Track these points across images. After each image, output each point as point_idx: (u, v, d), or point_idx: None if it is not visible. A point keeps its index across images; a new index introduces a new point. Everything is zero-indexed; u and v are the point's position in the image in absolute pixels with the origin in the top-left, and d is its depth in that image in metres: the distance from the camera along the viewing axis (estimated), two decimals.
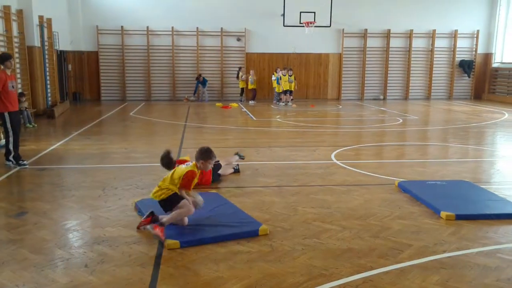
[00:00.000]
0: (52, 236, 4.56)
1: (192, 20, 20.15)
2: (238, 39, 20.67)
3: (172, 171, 4.92)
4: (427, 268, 3.86)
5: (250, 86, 19.63)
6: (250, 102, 19.35)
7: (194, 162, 4.93)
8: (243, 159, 7.58)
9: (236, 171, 7.13)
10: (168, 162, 5.17)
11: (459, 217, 5.02)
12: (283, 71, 18.43)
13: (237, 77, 20.06)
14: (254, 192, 6.13)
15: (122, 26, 19.92)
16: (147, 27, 20.03)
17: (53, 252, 4.17)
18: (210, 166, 4.95)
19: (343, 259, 4.03)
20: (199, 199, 4.80)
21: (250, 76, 19.57)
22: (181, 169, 4.84)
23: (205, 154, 4.86)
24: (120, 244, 4.35)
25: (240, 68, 20.22)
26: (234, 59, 20.82)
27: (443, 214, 5.07)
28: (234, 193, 6.07)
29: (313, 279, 3.65)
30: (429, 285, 3.56)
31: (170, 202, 4.70)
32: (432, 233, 4.65)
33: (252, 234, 4.56)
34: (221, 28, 20.37)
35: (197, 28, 20.24)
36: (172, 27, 20.12)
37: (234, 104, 18.14)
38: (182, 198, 4.71)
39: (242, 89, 20.05)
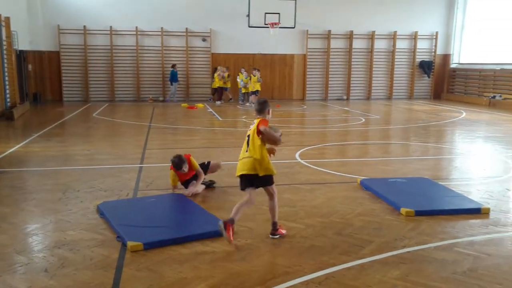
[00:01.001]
0: (12, 241, 4.44)
1: (156, 20, 19.95)
2: (204, 40, 20.60)
3: (246, 139, 4.51)
4: (388, 263, 3.96)
5: (219, 85, 19.52)
6: (217, 102, 19.25)
7: (260, 117, 4.52)
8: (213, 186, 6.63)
9: (210, 185, 6.49)
10: (180, 162, 5.95)
11: (419, 213, 5.18)
12: (253, 72, 18.41)
13: (220, 77, 19.44)
14: (219, 192, 6.15)
15: (84, 26, 19.51)
16: (111, 27, 19.70)
17: (12, 258, 4.06)
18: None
19: (306, 257, 4.09)
20: (279, 132, 4.50)
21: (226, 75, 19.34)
22: (253, 129, 4.50)
23: (266, 103, 4.62)
24: (81, 247, 4.27)
25: (216, 68, 19.78)
26: (199, 60, 20.73)
27: (403, 210, 5.22)
28: (198, 193, 6.05)
29: (277, 277, 3.69)
30: (389, 280, 3.66)
31: (269, 180, 4.58)
32: (392, 229, 4.78)
33: (216, 234, 4.55)
34: (186, 29, 20.25)
35: (162, 28, 20.04)
36: (136, 27, 19.86)
37: (200, 105, 18.06)
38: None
39: (218, 89, 19.66)
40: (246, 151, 4.53)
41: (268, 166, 4.47)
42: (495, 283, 3.61)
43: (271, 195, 4.62)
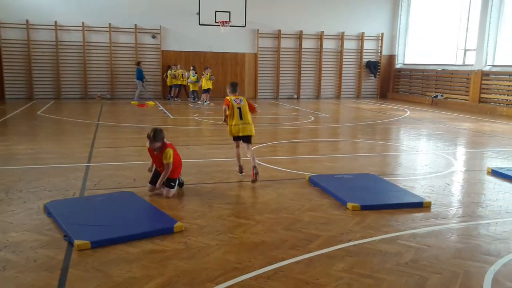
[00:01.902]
0: None
1: (104, 15, 19.44)
2: (153, 37, 20.28)
3: (244, 111, 6.82)
4: (334, 257, 4.08)
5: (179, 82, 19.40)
6: (175, 99, 19.07)
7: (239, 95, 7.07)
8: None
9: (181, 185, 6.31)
10: (154, 134, 5.73)
11: (364, 208, 5.36)
12: (205, 71, 18.28)
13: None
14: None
15: (27, 20, 18.72)
16: (55, 21, 19.01)
17: None
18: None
19: (256, 252, 4.15)
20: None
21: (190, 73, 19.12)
22: (245, 102, 6.97)
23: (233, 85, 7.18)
24: (24, 249, 4.13)
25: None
26: (149, 57, 20.40)
27: (349, 205, 5.39)
28: (149, 192, 5.98)
29: (227, 273, 3.72)
30: (335, 272, 3.78)
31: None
32: (339, 224, 4.93)
33: (167, 231, 4.54)
34: (135, 25, 19.87)
35: (110, 24, 19.56)
36: (83, 23, 19.28)
37: (151, 103, 17.80)
38: None
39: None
40: (241, 119, 6.75)
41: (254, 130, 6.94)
42: (435, 273, 3.80)
43: (250, 147, 6.82)
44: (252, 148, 6.85)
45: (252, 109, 6.96)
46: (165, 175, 5.76)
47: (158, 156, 5.83)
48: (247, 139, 6.79)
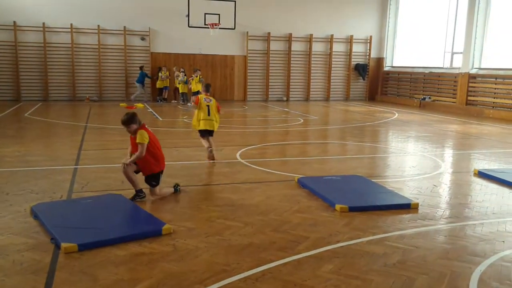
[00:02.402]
0: None
1: (92, 17, 19.34)
2: (142, 39, 20.21)
3: (212, 109, 8.05)
4: (322, 258, 4.10)
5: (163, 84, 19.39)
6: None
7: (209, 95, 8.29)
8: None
9: (176, 190, 6.15)
10: (126, 119, 5.71)
11: (352, 209, 5.39)
12: (195, 73, 18.25)
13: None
14: None
15: (14, 22, 18.56)
16: (43, 23, 18.87)
17: None
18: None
19: (244, 254, 4.15)
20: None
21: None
22: (213, 102, 8.16)
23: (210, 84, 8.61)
24: (10, 252, 4.08)
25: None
26: (138, 59, 20.32)
27: (338, 206, 5.41)
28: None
29: (215, 275, 3.71)
30: (323, 273, 3.79)
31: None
32: (327, 225, 4.94)
33: (155, 234, 4.53)
34: (124, 27, 19.78)
35: (98, 26, 19.46)
36: (71, 24, 19.15)
37: (140, 105, 17.72)
38: None
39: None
40: (208, 115, 8.01)
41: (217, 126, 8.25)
42: (422, 274, 3.83)
43: (211, 139, 8.16)
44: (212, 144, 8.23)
45: (218, 109, 8.25)
46: (137, 157, 5.56)
47: (134, 140, 5.66)
48: (211, 132, 8.14)
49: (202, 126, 8.01)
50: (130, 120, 5.69)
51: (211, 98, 8.17)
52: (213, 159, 7.95)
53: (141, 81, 19.24)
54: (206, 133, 8.07)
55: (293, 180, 6.76)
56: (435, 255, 4.23)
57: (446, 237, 4.75)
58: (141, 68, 19.47)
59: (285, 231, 4.75)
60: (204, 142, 8.12)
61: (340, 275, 3.76)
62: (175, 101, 19.92)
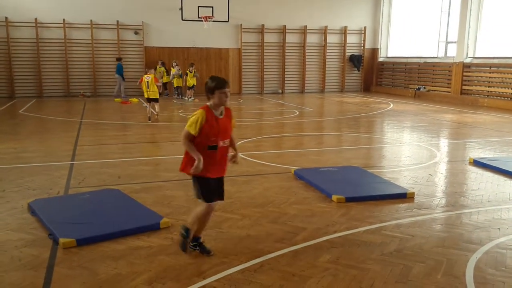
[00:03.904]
0: None
1: (85, 12, 19.20)
2: (136, 33, 20.11)
3: (150, 83, 11.91)
4: (320, 248, 4.13)
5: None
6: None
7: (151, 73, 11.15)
8: None
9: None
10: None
11: (349, 200, 5.42)
12: (189, 68, 18.19)
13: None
14: (155, 187, 6.07)
15: (6, 17, 18.41)
16: (36, 18, 18.73)
17: None
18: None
19: (242, 246, 4.17)
20: None
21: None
22: (152, 79, 11.78)
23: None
24: (9, 248, 4.09)
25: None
26: (132, 53, 20.22)
27: (334, 197, 5.44)
28: (134, 189, 5.96)
29: (214, 267, 3.74)
30: (321, 263, 3.82)
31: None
32: (324, 216, 4.97)
33: (153, 227, 4.54)
34: (117, 21, 19.67)
35: (91, 20, 19.33)
36: (64, 19, 19.02)
37: (134, 100, 17.66)
38: None
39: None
40: (148, 88, 11.93)
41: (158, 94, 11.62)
42: (418, 262, 3.86)
43: (155, 105, 11.84)
44: (157, 108, 12.15)
45: (156, 81, 12.10)
46: (189, 151, 3.81)
47: (228, 120, 3.93)
48: (154, 99, 12.11)
49: (146, 96, 12.19)
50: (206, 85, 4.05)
51: (150, 75, 12.05)
52: (150, 119, 11.94)
53: (120, 73, 18.97)
54: (150, 100, 12.18)
55: (289, 172, 6.78)
56: (432, 243, 4.27)
57: (442, 225, 4.78)
58: (118, 59, 19.19)
59: (283, 222, 4.77)
60: (148, 110, 12.29)
61: (338, 265, 3.79)
62: (167, 94, 19.82)
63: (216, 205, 3.97)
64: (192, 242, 4.01)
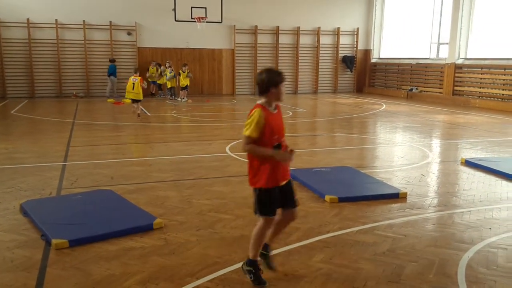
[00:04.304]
0: None
1: (77, 12, 19.11)
2: (129, 33, 20.05)
3: (136, 85, 12.54)
4: (313, 248, 4.14)
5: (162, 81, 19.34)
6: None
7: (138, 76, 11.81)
8: None
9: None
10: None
11: (342, 200, 5.44)
12: (182, 68, 18.15)
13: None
14: (148, 188, 6.06)
15: None
16: (28, 19, 18.62)
17: None
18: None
19: (236, 246, 4.17)
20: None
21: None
22: (138, 81, 12.55)
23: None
24: (1, 249, 4.07)
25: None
26: (125, 54, 20.16)
27: (327, 197, 5.46)
28: (127, 189, 5.95)
29: (207, 268, 3.74)
30: (314, 263, 3.83)
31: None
32: (317, 216, 4.99)
33: (146, 228, 4.53)
34: (110, 22, 19.60)
35: (84, 21, 19.25)
36: (56, 20, 18.92)
37: (127, 100, 17.56)
38: None
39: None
40: (133, 89, 12.49)
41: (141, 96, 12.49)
42: (411, 261, 3.89)
43: (138, 104, 12.69)
44: (140, 106, 13.03)
45: (141, 82, 12.67)
46: (257, 153, 3.38)
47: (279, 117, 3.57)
48: (136, 101, 12.77)
49: (130, 96, 12.82)
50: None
51: (137, 77, 12.67)
52: (139, 117, 12.67)
53: (113, 74, 18.87)
54: (135, 101, 12.85)
55: None
56: (424, 243, 4.30)
57: (434, 225, 4.82)
58: (111, 61, 19.16)
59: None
60: (134, 108, 13.02)
61: (331, 264, 3.80)
62: (163, 95, 19.83)
63: (277, 217, 3.49)
64: (247, 266, 3.49)
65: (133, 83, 12.56)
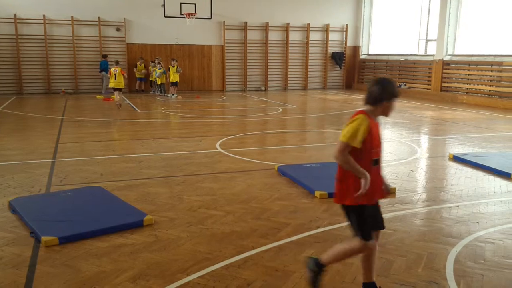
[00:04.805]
0: None
1: (65, 8, 18.94)
2: (118, 29, 19.91)
3: (118, 75, 13.92)
4: (303, 244, 4.17)
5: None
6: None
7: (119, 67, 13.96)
8: None
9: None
10: None
11: (331, 195, 5.41)
12: (171, 62, 18.07)
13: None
14: (138, 185, 6.04)
15: None
16: (15, 14, 18.41)
17: None
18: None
19: (226, 242, 4.19)
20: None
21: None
22: (119, 71, 14.01)
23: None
24: None
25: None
26: (114, 50, 20.02)
27: (317, 193, 5.49)
28: (117, 186, 5.93)
29: (198, 264, 3.75)
30: (304, 258, 3.84)
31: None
32: (307, 212, 5.02)
33: (136, 225, 4.52)
34: (99, 18, 19.45)
35: (72, 17, 19.08)
36: (44, 15, 18.73)
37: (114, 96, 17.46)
38: None
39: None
40: (115, 79, 13.94)
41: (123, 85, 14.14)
42: (400, 256, 3.93)
43: (119, 93, 14.05)
44: (121, 94, 14.41)
45: (123, 73, 14.03)
46: (351, 168, 2.99)
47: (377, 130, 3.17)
48: (119, 89, 13.97)
49: (112, 85, 14.10)
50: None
51: (117, 68, 14.04)
52: (119, 106, 13.96)
53: (105, 70, 18.76)
54: (116, 89, 14.02)
55: (273, 168, 6.82)
56: (413, 237, 4.35)
57: (423, 220, 4.87)
58: (104, 56, 19.07)
59: (266, 218, 4.80)
60: (116, 99, 14.08)
61: None
62: (153, 91, 19.76)
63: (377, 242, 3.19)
64: (315, 266, 3.28)
65: (114, 74, 13.95)
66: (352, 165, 2.94)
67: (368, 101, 3.04)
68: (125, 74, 14.68)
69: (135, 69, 19.67)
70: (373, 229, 3.11)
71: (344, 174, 3.06)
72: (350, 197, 3.02)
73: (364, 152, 2.97)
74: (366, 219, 3.05)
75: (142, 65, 19.49)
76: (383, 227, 3.25)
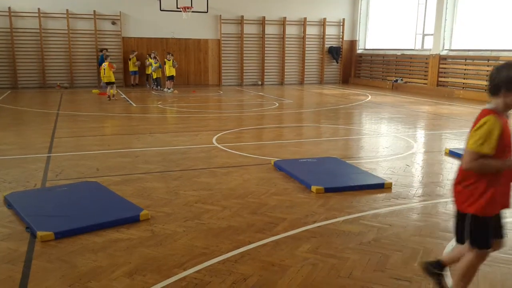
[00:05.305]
0: None
1: (60, 1, 18.81)
2: (113, 23, 19.80)
3: (107, 70, 14.54)
4: (299, 238, 4.17)
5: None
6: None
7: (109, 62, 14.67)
8: None
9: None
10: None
11: (328, 190, 5.48)
12: (167, 56, 18.01)
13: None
14: (134, 179, 6.03)
15: None
16: (9, 7, 18.27)
17: None
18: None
19: (223, 237, 4.19)
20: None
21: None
22: (107, 66, 14.83)
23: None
24: None
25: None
26: (109, 44, 19.91)
27: (314, 188, 5.49)
28: (113, 181, 5.92)
29: (194, 259, 3.74)
30: (301, 253, 3.87)
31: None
32: (304, 206, 5.02)
33: (133, 220, 4.52)
34: (94, 11, 19.33)
35: (67, 10, 18.96)
36: (39, 9, 18.60)
37: (112, 91, 17.40)
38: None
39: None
40: (104, 74, 14.66)
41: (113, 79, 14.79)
42: (395, 251, 3.94)
43: (112, 86, 14.70)
44: (115, 89, 15.08)
45: (111, 67, 14.49)
46: (489, 167, 2.65)
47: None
48: (110, 83, 14.60)
49: (104, 80, 14.90)
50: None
51: (106, 63, 14.63)
52: (109, 99, 14.63)
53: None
54: (108, 84, 14.70)
55: (269, 163, 6.82)
56: (409, 232, 4.36)
57: (419, 214, 4.88)
58: (101, 50, 18.95)
59: (263, 213, 4.81)
60: (108, 92, 14.71)
61: (317, 254, 3.84)
62: (149, 86, 19.73)
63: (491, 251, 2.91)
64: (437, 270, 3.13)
65: (104, 69, 14.63)
66: (491, 165, 2.61)
67: (492, 92, 2.64)
68: (114, 68, 15.14)
69: (129, 61, 19.56)
70: (491, 239, 2.82)
71: (473, 178, 2.70)
72: (482, 204, 2.68)
73: (495, 157, 2.61)
74: (483, 228, 2.75)
75: (134, 58, 19.41)
76: (502, 236, 2.92)
